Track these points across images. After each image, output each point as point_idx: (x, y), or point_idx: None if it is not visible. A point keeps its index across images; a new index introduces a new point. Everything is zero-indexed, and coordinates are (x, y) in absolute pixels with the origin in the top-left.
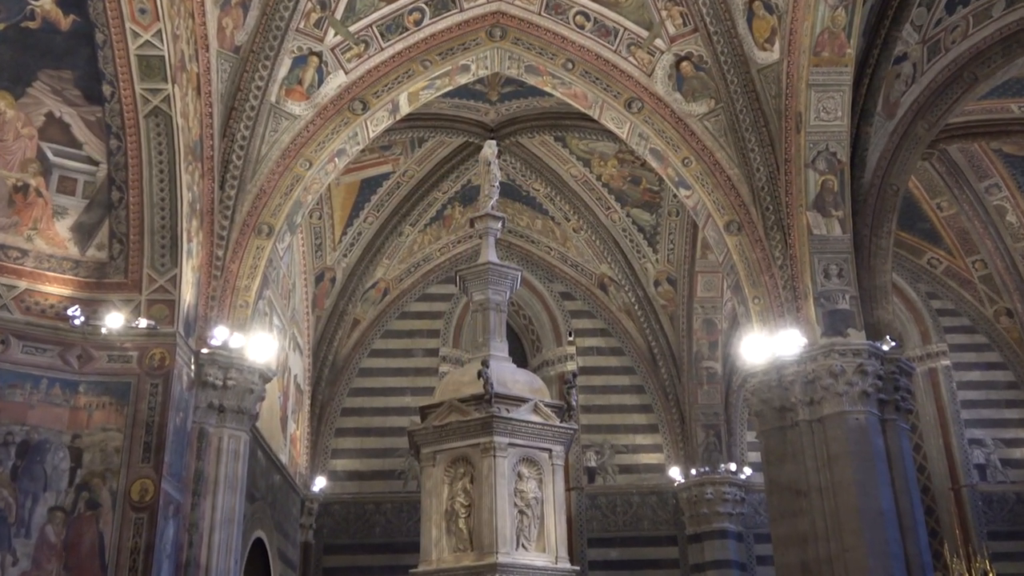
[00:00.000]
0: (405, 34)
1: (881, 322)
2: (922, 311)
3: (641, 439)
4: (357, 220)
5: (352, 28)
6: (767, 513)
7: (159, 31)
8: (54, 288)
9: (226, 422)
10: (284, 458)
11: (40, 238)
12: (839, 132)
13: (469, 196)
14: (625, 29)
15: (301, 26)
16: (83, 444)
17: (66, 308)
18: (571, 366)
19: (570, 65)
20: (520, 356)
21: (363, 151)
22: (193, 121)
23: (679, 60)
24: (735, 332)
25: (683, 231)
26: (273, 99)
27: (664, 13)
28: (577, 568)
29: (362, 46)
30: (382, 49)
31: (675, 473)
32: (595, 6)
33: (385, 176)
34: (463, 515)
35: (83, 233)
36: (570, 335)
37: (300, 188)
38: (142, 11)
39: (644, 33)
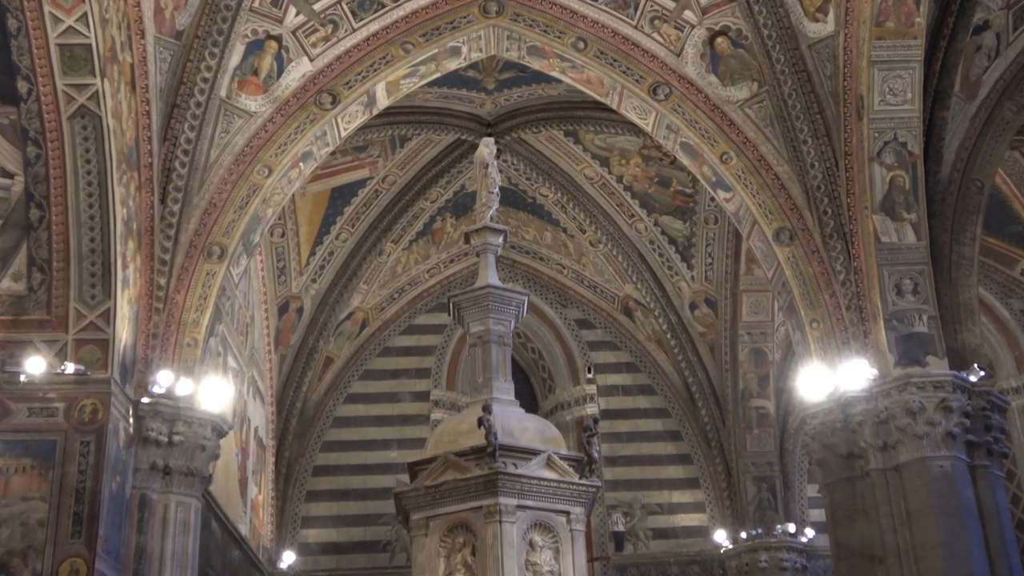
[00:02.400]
0: (381, 11)
1: (967, 347)
2: (1016, 333)
3: (679, 496)
4: (328, 238)
5: (317, 6)
6: None
7: (84, 15)
8: None
9: (173, 486)
10: (244, 529)
11: None
12: (909, 118)
13: (463, 205)
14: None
15: (255, 5)
16: None
17: None
18: (591, 409)
19: (582, 45)
20: (529, 398)
21: (333, 154)
22: (127, 122)
23: (713, 35)
24: (790, 364)
25: (723, 242)
26: (223, 93)
27: None
28: None
29: (330, 27)
30: (354, 30)
31: (721, 537)
32: None
33: (361, 183)
34: None
35: None
36: (589, 371)
37: (258, 200)
38: None
39: (671, 4)
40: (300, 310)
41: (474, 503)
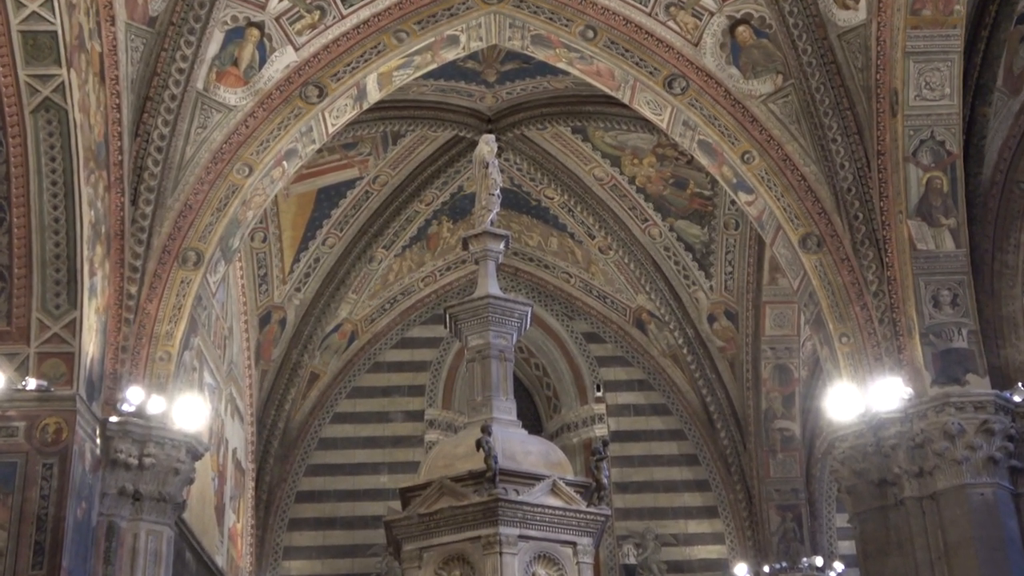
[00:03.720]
0: None
1: (1011, 364)
2: None
3: (695, 526)
4: (313, 243)
5: None
6: None
7: (49, 0)
8: None
9: (143, 513)
10: (221, 560)
11: None
12: (948, 114)
13: (461, 208)
14: None
15: None
16: None
17: None
18: (600, 431)
19: (591, 33)
20: (533, 419)
21: (320, 151)
22: (95, 116)
23: (734, 24)
24: (817, 382)
25: (744, 249)
26: (200, 85)
27: None
28: None
29: (316, 14)
30: (343, 17)
31: (742, 571)
32: None
33: (350, 184)
34: None
35: None
36: (598, 389)
37: (237, 202)
38: None
39: None
40: (283, 321)
41: (472, 533)
